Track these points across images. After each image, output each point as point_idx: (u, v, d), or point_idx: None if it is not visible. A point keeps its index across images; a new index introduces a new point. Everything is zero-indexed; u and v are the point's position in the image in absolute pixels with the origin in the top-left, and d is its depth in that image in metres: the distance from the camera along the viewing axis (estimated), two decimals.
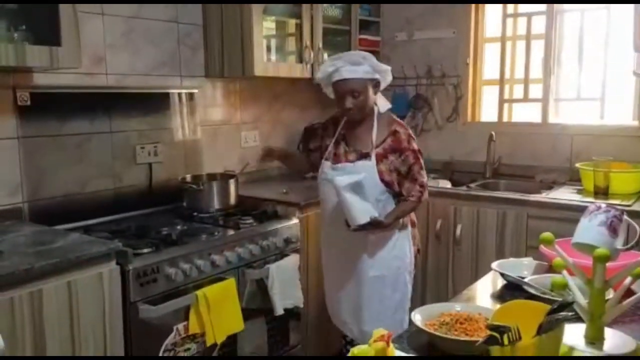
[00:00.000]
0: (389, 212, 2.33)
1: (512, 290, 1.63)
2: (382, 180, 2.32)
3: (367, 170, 2.30)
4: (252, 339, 2.53)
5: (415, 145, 2.37)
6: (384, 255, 2.41)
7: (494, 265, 1.73)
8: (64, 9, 2.12)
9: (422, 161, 2.39)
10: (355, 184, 2.23)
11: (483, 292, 1.70)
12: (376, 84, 2.35)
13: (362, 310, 2.46)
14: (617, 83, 3.25)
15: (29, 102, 2.39)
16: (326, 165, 2.43)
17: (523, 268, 1.74)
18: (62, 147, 2.50)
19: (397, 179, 2.34)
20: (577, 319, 1.21)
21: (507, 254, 2.86)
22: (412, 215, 2.52)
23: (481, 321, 1.28)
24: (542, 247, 1.71)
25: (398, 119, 2.46)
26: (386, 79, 2.38)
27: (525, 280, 1.58)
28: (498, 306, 1.47)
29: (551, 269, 1.69)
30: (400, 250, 2.44)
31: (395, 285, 2.44)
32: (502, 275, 1.68)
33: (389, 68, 2.37)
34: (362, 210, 2.23)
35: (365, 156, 2.35)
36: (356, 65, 2.29)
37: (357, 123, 2.40)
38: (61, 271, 1.86)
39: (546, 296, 1.45)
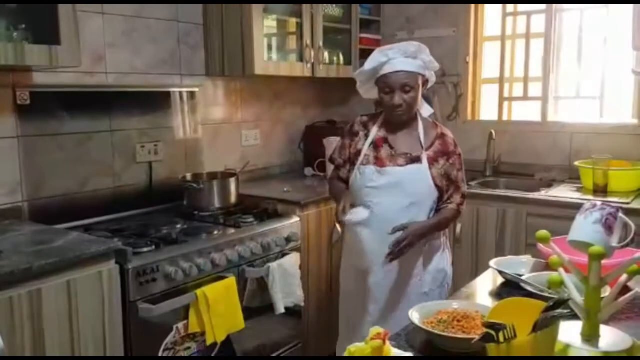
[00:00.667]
0: (429, 220, 2.11)
1: (510, 288, 1.64)
2: (436, 185, 2.12)
3: (420, 175, 2.11)
4: (253, 337, 2.54)
5: (460, 151, 2.21)
6: (432, 269, 2.19)
7: (492, 263, 1.74)
8: (64, 8, 2.13)
9: (464, 168, 2.23)
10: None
11: (482, 290, 1.71)
12: (425, 82, 2.15)
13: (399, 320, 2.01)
14: (616, 82, 3.24)
15: (28, 102, 2.39)
16: (370, 170, 2.14)
17: (521, 266, 1.75)
18: (62, 146, 2.51)
19: (446, 185, 2.15)
20: (574, 316, 1.21)
21: (507, 252, 2.87)
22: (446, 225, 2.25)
23: (478, 319, 1.29)
24: (540, 245, 1.72)
25: (441, 124, 2.27)
26: (432, 79, 2.20)
27: (523, 278, 1.58)
28: (495, 304, 1.48)
29: (549, 267, 1.70)
30: (443, 262, 2.23)
31: (434, 298, 2.14)
32: (500, 273, 1.69)
33: (437, 66, 2.17)
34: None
35: (415, 160, 2.12)
36: (411, 58, 2.07)
37: (398, 126, 2.17)
38: (61, 270, 1.87)
39: (543, 294, 1.45)
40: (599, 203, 1.26)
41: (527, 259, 1.79)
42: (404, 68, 2.05)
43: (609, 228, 1.21)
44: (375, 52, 2.14)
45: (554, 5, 3.33)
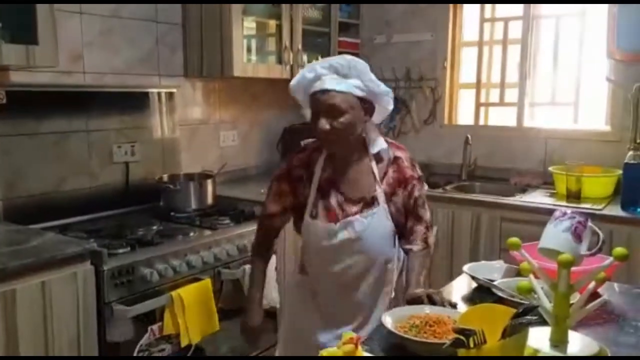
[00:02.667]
0: (414, 283, 1.71)
1: (482, 293, 1.67)
2: (396, 225, 1.77)
3: (379, 221, 1.73)
4: (228, 339, 2.54)
5: (418, 172, 1.82)
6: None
7: (466, 268, 1.77)
8: (41, 8, 2.11)
9: (424, 191, 1.83)
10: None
11: (455, 294, 1.73)
12: (368, 108, 1.70)
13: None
14: (591, 89, 3.31)
15: (4, 100, 2.36)
16: (318, 228, 1.75)
17: (494, 271, 1.78)
18: (39, 146, 2.49)
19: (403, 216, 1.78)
20: (543, 322, 1.24)
21: (481, 256, 2.90)
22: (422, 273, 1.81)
23: (450, 324, 1.31)
24: (512, 251, 1.75)
25: (393, 141, 1.87)
26: (381, 104, 1.74)
27: (495, 283, 1.61)
28: (467, 308, 1.51)
29: (520, 273, 1.73)
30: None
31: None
32: (473, 278, 1.72)
33: (388, 91, 1.73)
34: None
35: (372, 203, 1.73)
36: (344, 77, 1.66)
37: (347, 162, 1.76)
38: (35, 271, 1.86)
39: (514, 299, 1.48)
40: (568, 211, 1.30)
41: (499, 265, 1.82)
42: (334, 87, 1.64)
43: (578, 236, 1.25)
44: (305, 66, 1.77)
45: (531, 11, 3.39)
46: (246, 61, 3.08)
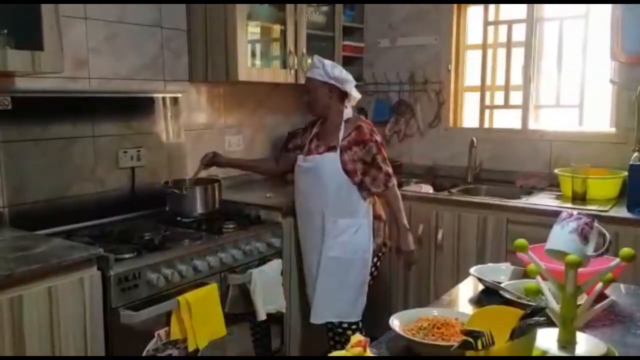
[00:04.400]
0: (397, 219, 2.71)
1: (489, 295, 1.66)
2: (344, 169, 2.59)
3: (330, 160, 2.61)
4: (235, 344, 2.54)
5: (377, 138, 2.64)
6: (344, 240, 2.64)
7: (473, 270, 1.76)
8: (47, 13, 2.12)
9: (384, 152, 2.64)
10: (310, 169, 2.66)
11: (462, 297, 1.73)
12: (331, 88, 2.64)
13: (316, 286, 2.70)
14: (595, 91, 3.30)
15: (10, 106, 2.37)
16: (299, 158, 2.74)
17: (501, 273, 1.77)
18: (44, 151, 2.49)
19: (363, 168, 2.61)
20: (551, 323, 1.24)
21: (488, 258, 2.90)
22: (379, 209, 2.76)
23: (458, 326, 1.31)
24: (518, 253, 1.75)
25: (364, 119, 2.79)
26: (345, 87, 2.64)
27: (502, 285, 1.61)
28: (475, 311, 1.50)
29: (527, 274, 1.73)
30: (360, 238, 2.66)
31: (351, 268, 2.66)
32: (480, 280, 1.71)
33: (346, 78, 2.65)
34: None
35: (332, 149, 2.63)
36: (314, 68, 2.65)
37: (327, 123, 2.71)
38: (42, 277, 1.86)
39: (521, 301, 1.48)
40: (575, 212, 1.29)
41: (506, 267, 1.81)
42: (308, 74, 2.69)
43: (584, 237, 1.24)
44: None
45: (535, 14, 3.39)
46: (251, 66, 3.09)
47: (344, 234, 2.64)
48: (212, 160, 2.91)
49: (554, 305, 1.25)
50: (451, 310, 1.42)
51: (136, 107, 2.87)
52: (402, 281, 3.27)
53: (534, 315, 1.09)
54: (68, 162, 2.58)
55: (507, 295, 1.54)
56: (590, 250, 1.26)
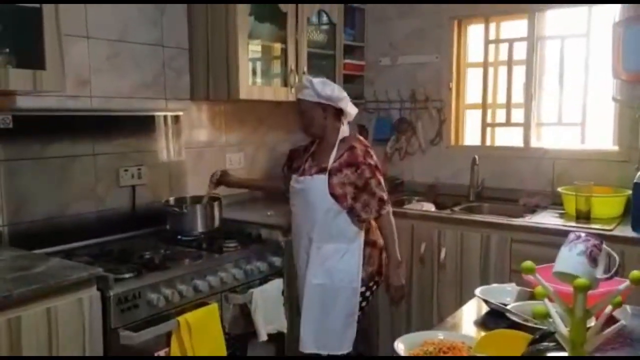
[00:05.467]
0: (388, 250, 2.53)
1: (495, 317, 1.64)
2: (332, 193, 2.43)
3: (318, 183, 2.46)
4: None
5: (372, 161, 2.46)
6: (329, 267, 2.48)
7: (478, 291, 1.74)
8: (49, 32, 2.12)
9: (379, 176, 2.47)
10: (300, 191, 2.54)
11: (467, 319, 1.70)
12: (325, 107, 2.48)
13: (302, 314, 2.53)
14: (598, 108, 3.30)
15: (11, 125, 2.36)
16: (293, 178, 2.60)
17: (506, 294, 1.75)
18: (45, 170, 2.48)
19: (354, 193, 2.43)
20: (560, 348, 1.21)
21: (491, 277, 2.87)
22: (374, 235, 2.58)
23: (464, 350, 1.28)
24: (525, 275, 1.72)
25: (361, 138, 2.60)
26: (339, 105, 2.48)
27: (508, 307, 1.58)
28: (481, 334, 1.48)
29: (534, 296, 1.70)
30: (347, 264, 2.48)
31: (337, 297, 2.48)
32: (486, 302, 1.69)
33: (338, 96, 2.48)
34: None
35: (323, 170, 2.47)
36: (304, 88, 2.49)
37: (323, 142, 2.56)
38: (41, 297, 1.83)
39: (528, 324, 1.45)
40: (583, 234, 1.27)
41: (511, 287, 1.79)
42: (299, 96, 2.53)
43: (593, 260, 1.22)
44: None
45: (535, 32, 3.39)
46: (252, 84, 3.09)
47: (330, 260, 2.47)
48: (220, 179, 2.89)
49: (562, 329, 1.22)
50: (457, 334, 1.40)
51: (137, 125, 2.86)
52: (404, 300, 3.22)
53: (543, 340, 1.07)
54: (68, 181, 2.57)
55: (514, 318, 1.52)
56: (599, 272, 1.24)
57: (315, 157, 2.58)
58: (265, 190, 3.16)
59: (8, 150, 2.36)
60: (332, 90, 2.48)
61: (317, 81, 2.47)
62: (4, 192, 2.36)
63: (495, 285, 1.87)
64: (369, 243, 2.54)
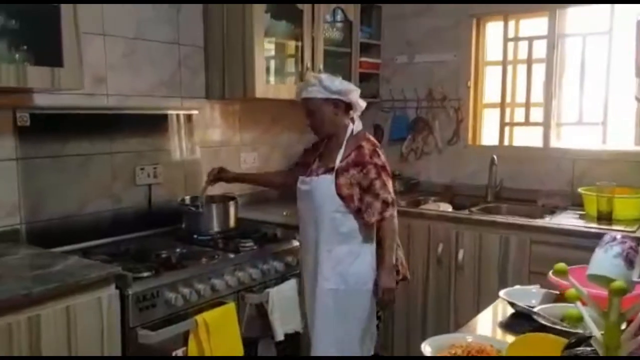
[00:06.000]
0: (381, 256, 2.40)
1: (520, 319, 1.61)
2: (339, 194, 2.33)
3: (324, 184, 2.36)
4: None
5: (378, 161, 2.35)
6: (342, 270, 2.37)
7: (502, 293, 1.70)
8: (67, 30, 2.11)
9: (385, 177, 2.34)
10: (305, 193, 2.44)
11: (490, 321, 1.67)
12: (336, 103, 2.37)
13: (315, 320, 2.42)
14: (619, 108, 3.24)
15: (28, 123, 2.36)
16: (300, 179, 2.49)
17: (531, 296, 1.71)
18: (62, 168, 2.48)
19: (359, 194, 2.33)
20: (595, 351, 1.17)
21: (510, 279, 2.83)
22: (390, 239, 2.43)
23: (493, 353, 1.25)
24: (552, 276, 1.69)
25: (370, 137, 2.45)
26: (351, 97, 2.38)
27: (535, 309, 1.55)
28: (508, 337, 1.45)
29: (560, 298, 1.67)
30: (360, 267, 2.39)
31: (352, 301, 2.38)
32: (511, 304, 1.65)
33: (349, 88, 2.37)
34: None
35: (330, 170, 2.37)
36: (312, 86, 2.36)
37: (332, 141, 2.46)
38: (60, 296, 1.82)
39: (556, 327, 1.42)
40: (619, 236, 1.24)
41: (536, 290, 1.75)
42: (305, 95, 2.39)
43: (629, 262, 1.18)
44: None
45: (556, 30, 3.34)
46: (267, 83, 3.07)
47: (342, 263, 2.36)
48: (217, 176, 2.76)
49: (597, 333, 1.18)
50: (485, 337, 1.36)
51: (153, 124, 2.85)
52: (420, 300, 3.20)
53: (579, 345, 1.03)
54: (85, 179, 2.57)
55: (541, 321, 1.48)
56: (636, 275, 1.20)
57: (323, 157, 2.48)
58: (259, 183, 3.01)
59: (25, 148, 2.36)
60: (341, 83, 2.38)
61: (326, 77, 2.38)
62: (21, 190, 2.36)
63: (518, 287, 1.83)
64: (380, 243, 2.44)
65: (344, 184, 2.32)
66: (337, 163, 2.36)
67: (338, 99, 2.37)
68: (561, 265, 1.23)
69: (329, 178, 2.35)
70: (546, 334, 1.15)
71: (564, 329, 1.38)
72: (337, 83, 2.36)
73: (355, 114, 2.46)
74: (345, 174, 2.33)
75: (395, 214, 2.40)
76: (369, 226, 2.39)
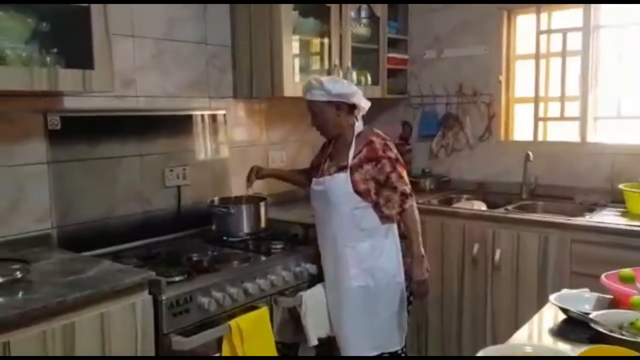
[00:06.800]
0: (409, 248, 2.40)
1: (573, 326, 1.53)
2: (356, 190, 2.34)
3: (340, 182, 2.37)
4: None
5: (391, 154, 2.37)
6: (369, 266, 2.38)
7: (553, 298, 1.62)
8: (97, 32, 2.08)
9: (400, 169, 2.36)
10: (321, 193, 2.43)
11: (542, 327, 1.59)
12: (338, 105, 2.39)
13: (344, 319, 2.43)
14: None
15: (59, 126, 2.35)
16: (313, 180, 2.51)
17: (583, 301, 1.63)
18: (92, 171, 2.46)
19: (376, 188, 2.35)
20: None
21: (550, 280, 2.76)
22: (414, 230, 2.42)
23: None
24: (604, 279, 1.61)
25: (379, 132, 2.47)
26: (353, 100, 2.39)
27: (590, 316, 1.47)
28: (564, 346, 1.38)
29: (614, 303, 1.59)
30: (386, 261, 2.40)
31: (382, 296, 2.40)
32: (564, 310, 1.57)
33: (351, 91, 2.39)
34: None
35: (343, 168, 2.38)
36: (314, 89, 2.39)
37: (339, 140, 2.48)
38: (94, 302, 1.80)
39: (614, 335, 1.34)
40: None
41: (589, 295, 1.67)
42: (308, 97, 2.43)
43: None
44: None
45: (591, 22, 3.23)
46: (297, 81, 3.01)
47: (368, 259, 2.38)
48: (257, 175, 2.76)
49: None
50: (547, 348, 1.29)
51: (182, 124, 2.83)
52: (455, 303, 3.12)
53: None
54: (115, 182, 2.55)
55: (598, 328, 1.40)
56: None
57: (334, 157, 2.49)
58: (291, 181, 2.94)
59: (56, 151, 2.35)
60: (343, 87, 2.39)
61: (327, 80, 2.39)
62: (52, 194, 2.35)
63: (569, 291, 1.74)
64: (402, 236, 2.45)
65: (360, 180, 2.34)
66: (350, 160, 2.37)
67: (340, 102, 2.39)
68: (627, 271, 1.16)
69: (343, 176, 2.36)
70: (619, 348, 1.08)
71: (622, 337, 1.30)
72: (338, 86, 2.37)
73: (359, 114, 2.48)
74: (360, 170, 2.35)
75: (415, 204, 2.40)
76: (389, 220, 2.39)
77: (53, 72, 1.98)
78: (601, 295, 1.64)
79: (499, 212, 3.04)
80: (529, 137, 3.55)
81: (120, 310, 1.87)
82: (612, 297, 1.60)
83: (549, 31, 3.47)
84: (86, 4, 2.05)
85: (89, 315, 1.79)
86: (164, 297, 1.99)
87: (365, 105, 2.45)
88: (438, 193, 3.57)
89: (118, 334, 1.86)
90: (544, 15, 3.48)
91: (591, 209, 2.99)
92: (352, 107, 2.43)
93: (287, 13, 2.89)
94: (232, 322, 2.13)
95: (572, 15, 3.36)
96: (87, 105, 2.44)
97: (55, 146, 2.34)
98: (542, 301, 1.67)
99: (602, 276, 1.61)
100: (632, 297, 1.18)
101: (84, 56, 2.06)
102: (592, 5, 3.22)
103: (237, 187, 3.06)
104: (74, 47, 2.07)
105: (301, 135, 3.54)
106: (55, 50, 2.05)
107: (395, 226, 2.43)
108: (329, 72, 3.20)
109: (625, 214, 2.82)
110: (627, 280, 1.18)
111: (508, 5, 3.50)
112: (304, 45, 3.25)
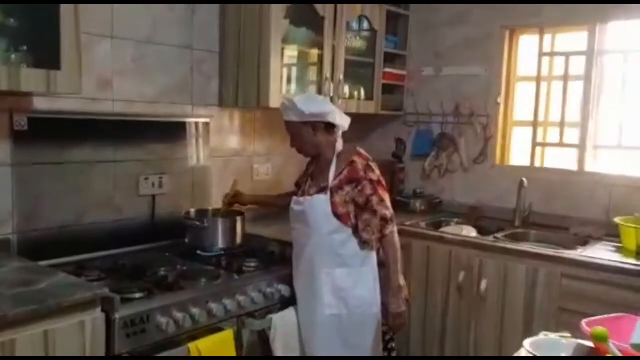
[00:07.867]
0: (387, 277, 2.29)
1: None
2: (335, 213, 2.25)
3: (319, 204, 2.28)
4: None
5: (373, 176, 2.28)
6: (344, 295, 2.28)
7: (527, 344, 1.49)
8: (66, 31, 1.97)
9: (382, 192, 2.27)
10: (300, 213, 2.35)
11: None
12: (314, 125, 2.32)
13: (316, 350, 2.32)
14: None
15: (26, 127, 2.24)
16: (293, 200, 2.42)
17: (560, 349, 1.49)
18: (60, 176, 2.35)
19: (355, 211, 2.27)
20: None
21: (537, 314, 2.63)
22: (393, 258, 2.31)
23: None
24: (584, 326, 1.48)
25: (361, 151, 2.37)
26: (328, 119, 2.31)
27: None
28: None
29: (594, 352, 1.45)
30: (363, 290, 2.29)
31: (357, 327, 2.29)
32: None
33: (326, 110, 2.30)
34: None
35: (323, 190, 2.30)
36: (288, 110, 2.32)
37: (320, 160, 2.41)
38: (39, 319, 1.68)
39: None
40: None
41: (566, 341, 1.53)
42: (285, 118, 2.36)
43: None
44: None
45: (596, 46, 3.11)
46: (284, 92, 2.90)
47: (343, 286, 2.27)
48: (233, 200, 2.78)
49: None
50: None
51: (161, 131, 2.72)
52: (438, 331, 2.99)
53: None
54: (85, 188, 2.45)
55: None
56: None
57: (315, 177, 2.42)
58: (277, 207, 2.84)
59: (21, 153, 2.24)
60: (317, 106, 2.31)
61: (300, 100, 2.31)
62: (15, 198, 2.24)
63: (545, 336, 1.60)
64: (380, 264, 2.33)
65: (339, 202, 2.26)
66: (331, 181, 2.29)
67: (315, 121, 2.31)
68: (600, 330, 1.03)
69: (323, 198, 2.28)
70: None
71: None
72: (311, 106, 2.30)
73: (339, 132, 2.38)
74: (340, 191, 2.27)
75: (395, 230, 2.30)
76: (368, 246, 2.29)
77: (15, 71, 1.87)
78: (581, 342, 1.51)
79: (487, 240, 2.91)
80: (526, 162, 3.42)
81: (68, 328, 1.74)
82: (593, 345, 1.46)
83: (552, 54, 3.35)
84: (56, 3, 1.94)
85: (32, 333, 1.66)
86: (117, 316, 1.86)
87: (344, 123, 2.36)
88: (428, 215, 3.44)
89: (64, 353, 1.73)
90: (547, 37, 3.35)
91: (585, 241, 2.85)
92: (331, 126, 2.34)
93: (278, 21, 2.78)
94: (192, 345, 2.02)
95: (576, 38, 3.24)
96: (58, 107, 2.33)
97: (20, 148, 2.23)
98: (528, 336, 1.55)
99: (583, 322, 1.47)
100: (594, 328, 1.05)
101: (52, 56, 1.96)
102: (598, 29, 3.10)
103: (217, 199, 2.94)
104: (42, 46, 1.96)
105: (288, 148, 3.34)
106: (25, 48, 1.94)
107: (374, 254, 2.32)
108: (320, 85, 3.09)
109: (619, 250, 2.68)
110: (600, 340, 1.05)
111: (511, 24, 3.38)
112: (301, 56, 3.14)
